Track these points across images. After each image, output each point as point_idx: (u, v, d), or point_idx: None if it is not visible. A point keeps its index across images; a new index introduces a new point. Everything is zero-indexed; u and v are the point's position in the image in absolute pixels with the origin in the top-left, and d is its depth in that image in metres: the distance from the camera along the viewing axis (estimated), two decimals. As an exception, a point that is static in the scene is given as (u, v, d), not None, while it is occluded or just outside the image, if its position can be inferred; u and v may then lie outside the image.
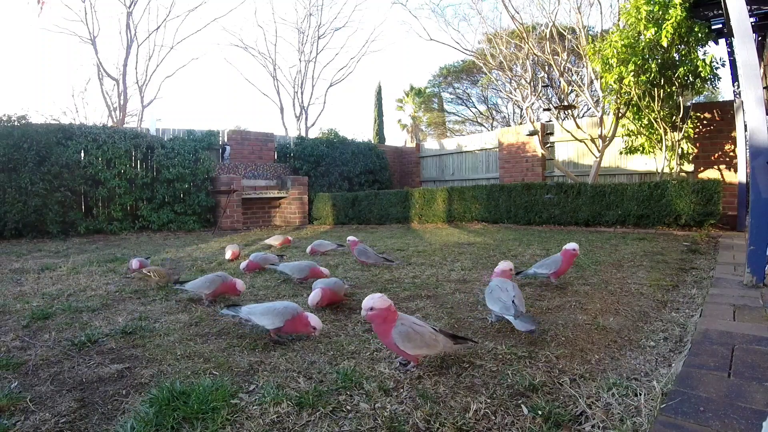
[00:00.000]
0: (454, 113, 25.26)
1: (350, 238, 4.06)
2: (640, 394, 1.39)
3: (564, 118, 9.41)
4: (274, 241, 5.22)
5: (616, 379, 1.52)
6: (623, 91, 6.68)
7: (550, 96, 11.91)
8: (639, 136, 7.21)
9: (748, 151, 4.16)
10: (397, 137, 31.82)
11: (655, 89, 6.37)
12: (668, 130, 6.66)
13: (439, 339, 1.66)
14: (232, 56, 46.95)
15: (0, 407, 1.40)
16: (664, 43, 5.73)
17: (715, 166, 7.08)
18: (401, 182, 13.29)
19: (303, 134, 17.26)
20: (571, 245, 2.79)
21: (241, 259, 4.26)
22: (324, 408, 1.37)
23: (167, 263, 3.83)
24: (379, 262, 3.85)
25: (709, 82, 6.28)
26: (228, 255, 4.34)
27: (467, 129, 24.88)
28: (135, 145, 7.98)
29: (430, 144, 13.07)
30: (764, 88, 3.41)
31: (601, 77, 6.95)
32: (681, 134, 6.64)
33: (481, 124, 23.78)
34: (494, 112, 23.15)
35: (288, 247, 5.29)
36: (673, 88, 6.35)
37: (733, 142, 6.76)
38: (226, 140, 9.86)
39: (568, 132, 8.55)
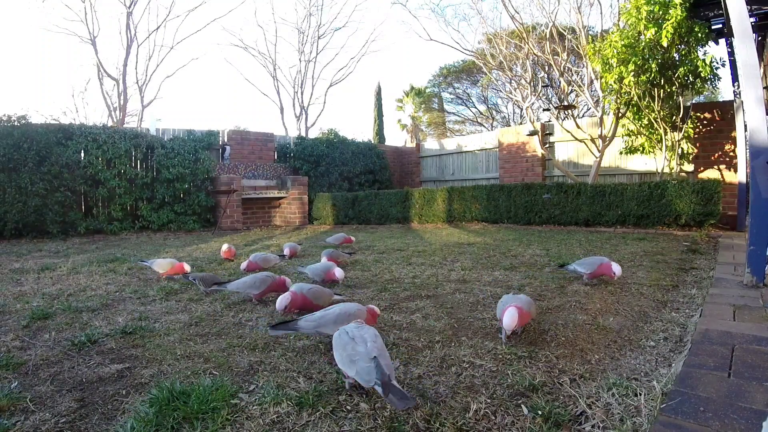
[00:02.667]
0: (454, 113, 25.27)
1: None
2: (640, 394, 1.39)
3: (564, 118, 9.41)
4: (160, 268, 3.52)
5: (616, 379, 1.52)
6: (623, 91, 6.68)
7: (550, 96, 11.90)
8: (639, 136, 7.21)
9: (748, 151, 4.15)
10: (397, 137, 31.84)
11: (655, 89, 6.37)
12: (668, 130, 6.66)
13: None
14: (232, 56, 46.86)
15: (0, 407, 1.40)
16: (664, 43, 5.73)
17: (715, 166, 7.08)
18: (401, 182, 13.29)
19: (303, 134, 17.25)
20: (617, 269, 2.81)
21: (241, 258, 4.26)
22: (324, 408, 1.37)
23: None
24: (345, 257, 4.07)
25: (709, 82, 6.28)
26: (224, 248, 4.38)
27: (467, 129, 24.88)
28: (135, 145, 7.98)
29: (430, 144, 13.07)
30: (764, 88, 3.41)
31: (601, 77, 6.95)
32: (681, 134, 6.64)
33: (481, 124, 23.78)
34: (494, 112, 23.15)
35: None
36: (673, 88, 6.35)
37: (733, 142, 6.75)
38: (226, 140, 9.86)
39: (568, 132, 8.55)
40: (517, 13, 10.95)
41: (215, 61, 41.38)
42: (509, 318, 1.84)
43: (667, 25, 5.64)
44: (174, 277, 3.43)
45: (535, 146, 9.63)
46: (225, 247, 4.38)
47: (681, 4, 5.59)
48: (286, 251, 4.50)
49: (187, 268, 3.48)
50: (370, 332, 1.50)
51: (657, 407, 1.29)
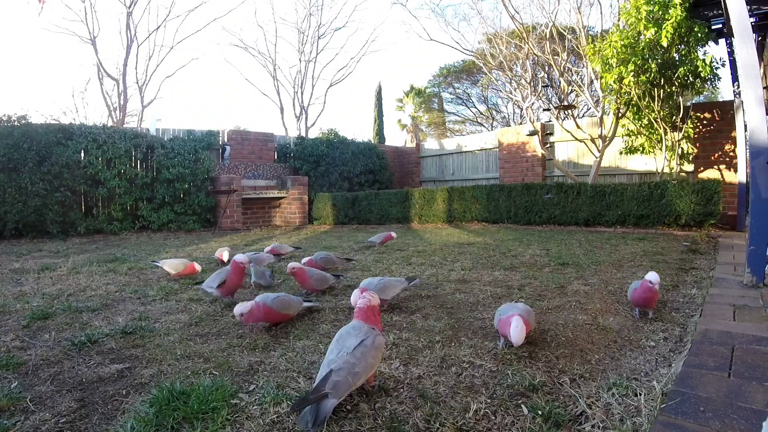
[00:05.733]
0: (454, 113, 25.27)
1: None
2: (640, 394, 1.39)
3: (564, 118, 9.41)
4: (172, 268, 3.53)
5: (616, 379, 1.52)
6: (623, 91, 6.68)
7: (550, 96, 11.91)
8: (639, 136, 7.21)
9: (748, 151, 4.16)
10: (397, 137, 31.82)
11: (655, 89, 6.37)
12: (668, 130, 6.66)
13: None
14: (232, 56, 46.99)
15: (0, 407, 1.40)
16: (664, 43, 5.73)
17: (715, 166, 7.08)
18: (401, 182, 13.29)
19: (303, 134, 17.26)
20: (653, 276, 2.18)
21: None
22: (324, 408, 1.37)
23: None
24: (341, 263, 3.86)
25: (709, 82, 6.28)
26: (218, 252, 4.27)
27: (467, 129, 24.89)
28: (135, 145, 7.98)
29: (430, 144, 13.07)
30: (764, 88, 3.41)
31: (601, 77, 6.95)
32: (681, 134, 6.64)
33: (481, 124, 23.78)
34: (494, 112, 23.15)
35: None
36: (673, 88, 6.35)
37: (733, 142, 6.76)
38: (226, 140, 9.86)
39: (568, 132, 8.55)
40: (517, 13, 10.97)
41: (215, 61, 41.51)
42: (519, 331, 1.66)
43: (667, 25, 5.64)
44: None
45: (535, 146, 9.63)
46: (219, 252, 4.22)
47: (681, 4, 5.59)
48: (267, 250, 4.30)
49: (197, 268, 3.48)
50: (357, 339, 1.41)
51: (657, 407, 1.29)
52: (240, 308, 2.06)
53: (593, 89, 9.14)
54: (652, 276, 2.19)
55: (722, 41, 6.57)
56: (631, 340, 1.94)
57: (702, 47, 6.04)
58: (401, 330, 2.13)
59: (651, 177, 7.40)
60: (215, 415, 1.32)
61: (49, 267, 4.05)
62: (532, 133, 8.95)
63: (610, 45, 6.29)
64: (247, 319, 2.07)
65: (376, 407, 1.38)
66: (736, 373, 1.47)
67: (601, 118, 7.85)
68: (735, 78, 6.71)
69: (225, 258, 4.15)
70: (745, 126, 3.59)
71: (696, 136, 6.95)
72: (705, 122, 7.07)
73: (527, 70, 10.65)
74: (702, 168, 7.19)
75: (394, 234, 5.30)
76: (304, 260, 3.68)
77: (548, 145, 9.56)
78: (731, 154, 6.88)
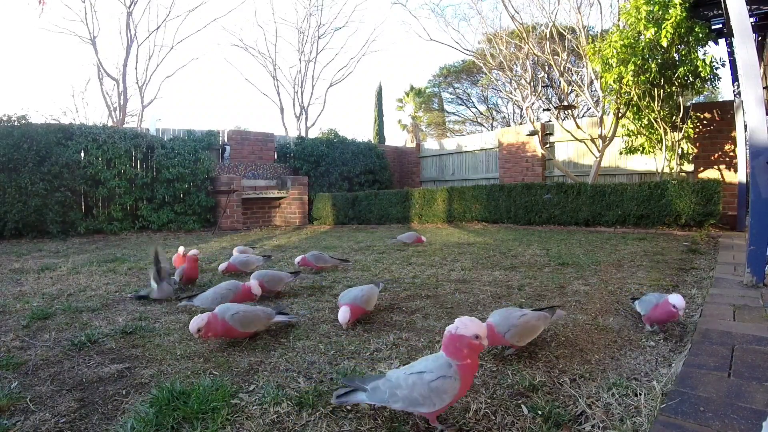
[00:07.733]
0: (454, 113, 25.28)
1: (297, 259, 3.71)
2: (640, 394, 1.39)
3: (564, 118, 9.41)
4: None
5: (616, 379, 1.52)
6: (623, 91, 6.68)
7: (550, 96, 11.90)
8: (639, 136, 7.21)
9: (748, 151, 4.16)
10: (397, 137, 31.88)
11: (655, 89, 6.37)
12: (668, 130, 6.66)
13: None
14: (232, 56, 47.10)
15: (0, 407, 1.40)
16: (664, 43, 5.73)
17: (715, 166, 7.08)
18: (401, 182, 13.29)
19: (303, 134, 17.26)
20: (679, 301, 1.87)
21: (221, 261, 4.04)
22: (324, 408, 1.37)
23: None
24: (335, 263, 3.79)
25: (709, 82, 6.28)
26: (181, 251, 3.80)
27: (467, 129, 24.89)
28: (135, 145, 7.98)
29: (430, 144, 13.07)
30: (764, 88, 3.41)
31: (601, 77, 6.96)
32: (681, 134, 6.64)
33: (481, 124, 23.78)
34: (494, 112, 23.15)
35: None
36: (673, 88, 6.35)
37: (733, 142, 6.76)
38: (226, 140, 9.86)
39: (568, 132, 8.55)
40: (517, 13, 10.96)
41: (215, 61, 41.55)
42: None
43: (667, 25, 5.64)
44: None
45: (535, 146, 9.63)
46: (181, 250, 3.70)
47: (681, 4, 5.59)
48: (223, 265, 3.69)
49: (181, 250, 3.52)
50: (424, 367, 1.29)
51: (657, 407, 1.29)
52: (197, 322, 1.82)
53: (593, 89, 9.13)
54: (677, 301, 1.87)
55: (722, 41, 6.57)
56: (631, 340, 1.94)
57: (702, 47, 6.04)
58: (401, 330, 2.13)
59: (651, 177, 7.40)
60: (215, 415, 1.32)
61: (49, 267, 4.05)
62: (532, 133, 8.94)
63: (610, 45, 6.29)
64: (205, 334, 1.84)
65: (376, 407, 1.38)
66: (736, 373, 1.47)
67: (601, 118, 7.86)
68: (735, 78, 6.70)
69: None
70: (745, 126, 3.59)
71: (696, 136, 6.95)
72: (705, 122, 7.07)
73: (527, 70, 10.65)
74: (702, 168, 7.19)
75: (424, 238, 5.28)
76: (297, 259, 3.69)
77: (548, 145, 9.57)
78: (731, 154, 6.88)
